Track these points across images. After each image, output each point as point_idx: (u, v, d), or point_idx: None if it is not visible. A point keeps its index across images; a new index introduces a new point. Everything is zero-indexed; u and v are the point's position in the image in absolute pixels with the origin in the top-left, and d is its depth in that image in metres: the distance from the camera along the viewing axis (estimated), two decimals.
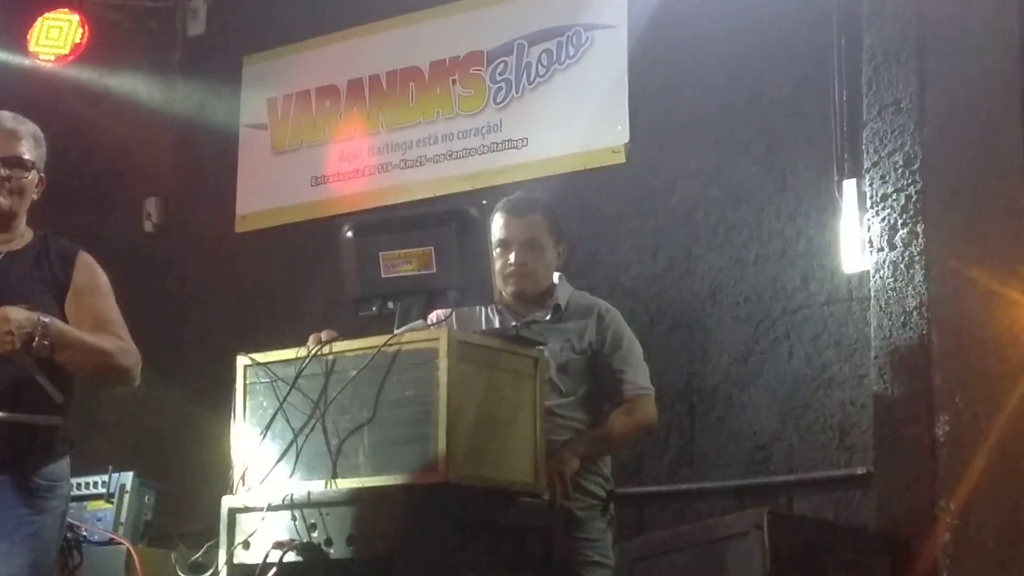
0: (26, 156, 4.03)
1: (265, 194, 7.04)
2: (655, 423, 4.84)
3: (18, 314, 3.74)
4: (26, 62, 6.98)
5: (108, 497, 5.52)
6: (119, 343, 4.01)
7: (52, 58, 6.90)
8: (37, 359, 3.81)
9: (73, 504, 5.10)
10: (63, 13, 6.89)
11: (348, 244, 4.30)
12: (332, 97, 6.81)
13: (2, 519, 3.84)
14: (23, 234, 4.06)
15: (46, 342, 3.80)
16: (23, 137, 4.06)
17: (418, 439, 4.01)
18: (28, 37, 6.93)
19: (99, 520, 5.49)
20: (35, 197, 4.07)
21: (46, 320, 3.81)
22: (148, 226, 7.33)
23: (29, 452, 3.91)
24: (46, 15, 6.90)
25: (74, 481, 5.35)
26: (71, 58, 6.91)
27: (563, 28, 6.11)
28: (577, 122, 6.02)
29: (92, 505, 5.53)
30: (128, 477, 5.55)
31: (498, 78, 6.27)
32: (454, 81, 6.40)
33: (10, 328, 3.72)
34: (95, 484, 5.53)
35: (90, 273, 4.12)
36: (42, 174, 4.07)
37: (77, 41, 6.85)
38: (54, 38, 6.89)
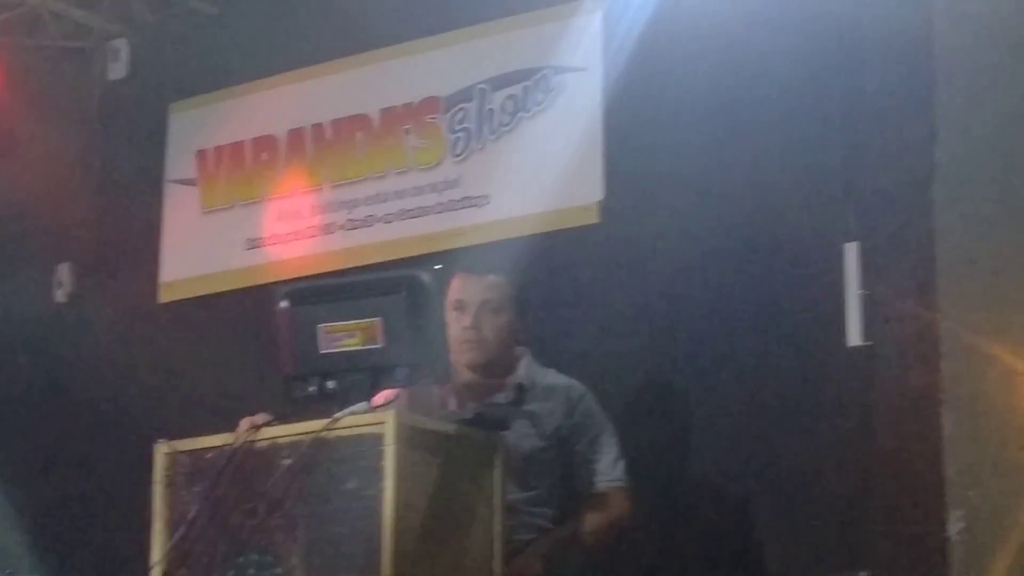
0: None
1: (193, 259, 7.05)
2: (630, 520, 4.84)
3: None
4: None
5: None
6: None
7: None
8: None
9: None
10: None
11: (284, 315, 4.39)
12: (270, 149, 6.87)
13: None
14: None
15: None
16: None
17: (360, 539, 4.03)
18: None
19: None
20: None
21: None
22: (59, 295, 7.29)
23: None
24: None
25: None
26: None
27: (530, 71, 6.20)
28: (545, 177, 6.07)
29: None
30: None
31: (457, 127, 6.33)
32: (407, 131, 6.47)
33: None
34: None
35: None
36: None
37: None
38: None
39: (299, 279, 5.88)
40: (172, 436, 4.56)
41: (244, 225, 6.93)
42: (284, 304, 4.38)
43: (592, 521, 4.70)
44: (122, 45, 7.33)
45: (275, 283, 6.06)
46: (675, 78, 5.72)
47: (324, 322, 4.30)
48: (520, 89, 6.22)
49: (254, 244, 6.87)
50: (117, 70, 7.33)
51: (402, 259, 6.13)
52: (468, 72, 6.36)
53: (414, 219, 6.44)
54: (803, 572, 5.17)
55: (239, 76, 6.99)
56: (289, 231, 6.78)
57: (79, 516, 6.69)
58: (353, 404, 4.27)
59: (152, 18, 7.31)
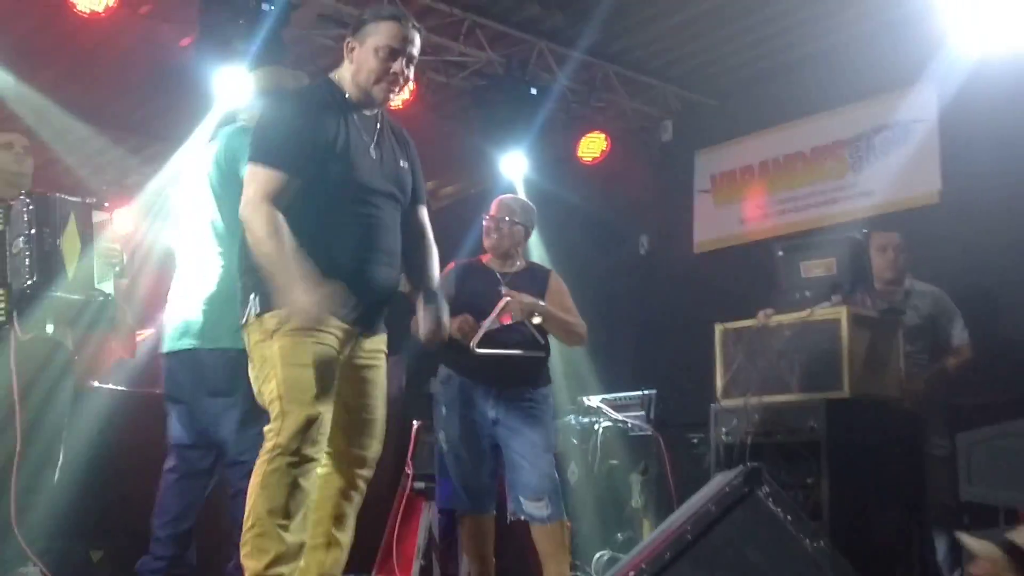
0: (515, 219, 6.50)
1: (711, 229, 9.82)
2: (972, 362, 6.77)
3: (527, 299, 6.35)
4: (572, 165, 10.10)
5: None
6: (576, 319, 6.51)
7: (589, 160, 10.25)
8: (534, 325, 6.40)
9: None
10: (595, 135, 10.13)
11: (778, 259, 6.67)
12: (750, 173, 9.65)
13: (527, 415, 6.37)
14: (519, 263, 6.61)
15: (538, 314, 6.32)
16: (514, 208, 6.57)
17: (828, 366, 5.88)
18: (576, 146, 10.22)
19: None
20: (523, 241, 6.60)
21: (540, 303, 6.37)
22: (642, 250, 10.43)
23: (535, 375, 6.46)
24: (587, 136, 10.15)
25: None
26: (598, 161, 10.16)
27: (888, 124, 8.49)
28: (897, 176, 8.17)
29: None
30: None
31: (854, 155, 8.79)
32: (825, 160, 8.95)
33: (523, 307, 6.26)
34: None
35: (557, 283, 6.61)
36: (528, 229, 6.54)
37: (603, 149, 10.12)
38: (590, 149, 10.21)
39: (778, 238, 7.94)
40: (724, 320, 6.53)
41: (738, 211, 9.60)
42: (780, 253, 6.44)
43: (950, 363, 6.82)
44: (669, 122, 10.34)
45: (762, 240, 8.64)
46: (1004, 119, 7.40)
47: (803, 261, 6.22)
48: (887, 132, 8.53)
49: (744, 220, 9.56)
50: (667, 136, 10.37)
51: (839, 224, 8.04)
52: (860, 124, 8.77)
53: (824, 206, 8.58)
54: None
55: (733, 133, 9.77)
56: (759, 215, 9.32)
57: (673, 358, 9.20)
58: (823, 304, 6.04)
59: (680, 107, 10.06)
